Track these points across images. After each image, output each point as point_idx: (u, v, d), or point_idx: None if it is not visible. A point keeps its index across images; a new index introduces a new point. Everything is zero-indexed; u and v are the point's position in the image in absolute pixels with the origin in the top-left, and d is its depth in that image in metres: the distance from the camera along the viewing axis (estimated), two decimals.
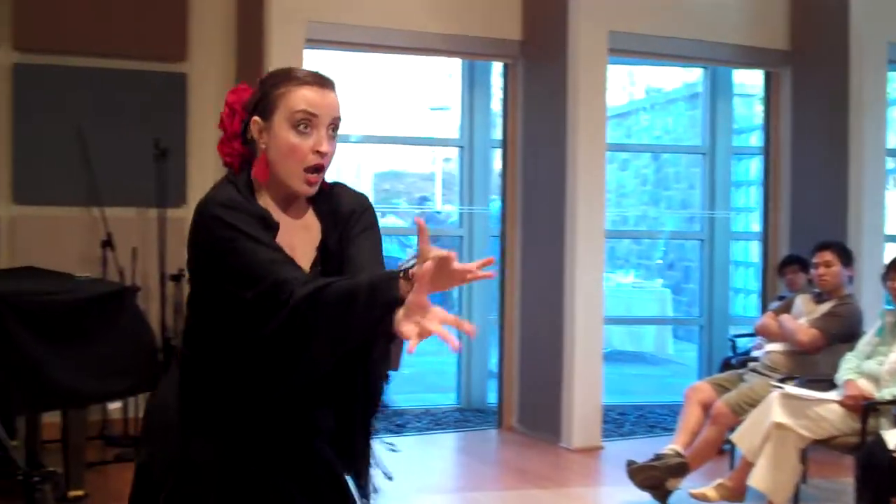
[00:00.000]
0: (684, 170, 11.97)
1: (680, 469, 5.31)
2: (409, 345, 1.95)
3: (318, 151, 2.29)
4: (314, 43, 6.66)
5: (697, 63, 8.47)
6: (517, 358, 7.32)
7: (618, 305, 10.54)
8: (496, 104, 8.07)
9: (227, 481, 2.37)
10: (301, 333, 2.14)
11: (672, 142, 12.63)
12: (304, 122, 2.29)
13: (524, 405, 7.28)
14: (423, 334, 1.97)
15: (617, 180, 12.87)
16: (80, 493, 5.05)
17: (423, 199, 13.79)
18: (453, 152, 8.90)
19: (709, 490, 5.22)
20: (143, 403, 6.54)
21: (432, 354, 10.50)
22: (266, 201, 2.35)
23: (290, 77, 2.33)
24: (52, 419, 5.59)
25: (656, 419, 7.77)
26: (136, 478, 2.49)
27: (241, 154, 2.38)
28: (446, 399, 8.34)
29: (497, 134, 7.97)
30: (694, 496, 5.23)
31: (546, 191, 7.01)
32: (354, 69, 10.90)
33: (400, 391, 8.75)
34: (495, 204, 8.05)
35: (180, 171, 6.73)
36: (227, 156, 2.39)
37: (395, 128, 12.28)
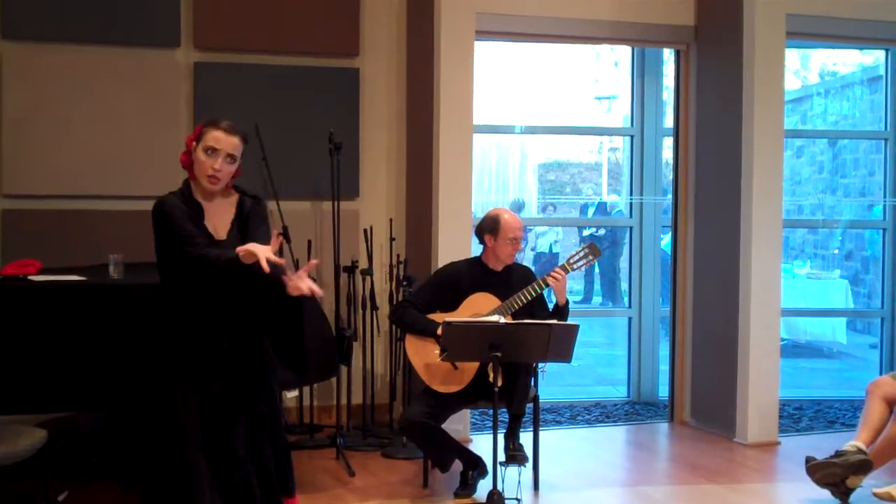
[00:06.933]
0: (863, 156, 11.54)
1: (862, 466, 5.13)
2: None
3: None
4: (483, 34, 6.69)
5: (879, 45, 8.14)
6: (689, 351, 7.20)
7: (792, 296, 10.26)
8: (666, 92, 7.96)
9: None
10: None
11: (849, 127, 12.17)
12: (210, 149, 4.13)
13: (697, 399, 7.15)
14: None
15: (791, 167, 12.50)
16: None
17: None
18: (619, 142, 8.82)
19: (893, 489, 5.10)
20: (318, 392, 6.72)
21: (602, 347, 10.48)
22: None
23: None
24: None
25: (835, 414, 7.54)
26: None
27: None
28: (617, 392, 8.28)
29: (667, 122, 7.86)
30: (877, 495, 5.09)
31: (720, 179, 6.86)
32: (517, 59, 10.90)
33: (570, 383, 8.76)
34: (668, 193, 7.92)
35: (353, 164, 6.86)
36: None
37: (560, 117, 12.20)
